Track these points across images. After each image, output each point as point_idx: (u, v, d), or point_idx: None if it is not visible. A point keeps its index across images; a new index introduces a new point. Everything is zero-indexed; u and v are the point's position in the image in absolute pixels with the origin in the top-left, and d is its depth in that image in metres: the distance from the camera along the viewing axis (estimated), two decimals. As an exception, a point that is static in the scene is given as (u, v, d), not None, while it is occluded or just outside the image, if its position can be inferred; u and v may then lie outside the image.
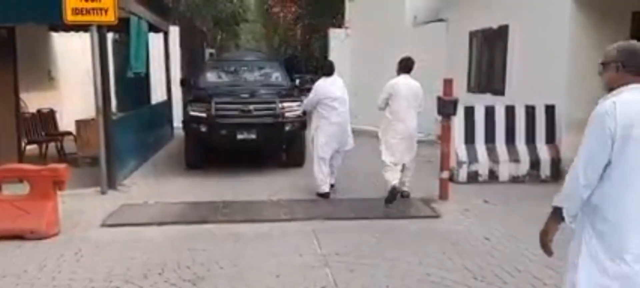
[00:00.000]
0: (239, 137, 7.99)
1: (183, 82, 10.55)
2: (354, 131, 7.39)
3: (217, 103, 8.09)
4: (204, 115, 8.09)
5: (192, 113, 8.28)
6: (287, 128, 8.23)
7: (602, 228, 2.48)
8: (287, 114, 8.24)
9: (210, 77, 9.69)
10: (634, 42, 2.63)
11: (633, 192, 2.42)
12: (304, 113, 8.17)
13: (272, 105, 8.23)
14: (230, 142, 8.11)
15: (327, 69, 7.23)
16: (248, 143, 8.13)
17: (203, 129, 8.09)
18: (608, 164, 2.43)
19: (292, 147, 8.74)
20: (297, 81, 10.24)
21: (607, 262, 2.47)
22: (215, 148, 8.64)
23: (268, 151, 9.34)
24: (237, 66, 10.15)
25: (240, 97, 8.36)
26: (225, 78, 9.69)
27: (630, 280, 2.43)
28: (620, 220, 2.44)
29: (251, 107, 8.11)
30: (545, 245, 2.69)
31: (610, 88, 2.54)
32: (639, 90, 2.44)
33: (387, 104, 6.61)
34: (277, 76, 9.77)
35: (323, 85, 7.02)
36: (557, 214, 2.61)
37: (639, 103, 2.42)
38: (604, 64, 2.57)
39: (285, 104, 8.30)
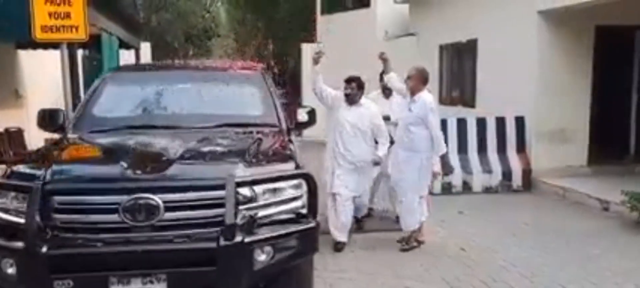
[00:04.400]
0: None
1: (49, 117, 4.40)
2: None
3: (54, 192, 3.04)
4: (19, 219, 3.05)
5: None
6: (260, 259, 3.11)
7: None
8: (263, 213, 3.18)
9: (100, 109, 4.42)
10: (423, 66, 5.40)
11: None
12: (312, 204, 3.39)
13: (218, 193, 3.04)
14: None
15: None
16: None
17: (10, 269, 2.99)
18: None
19: None
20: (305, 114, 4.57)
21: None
22: None
23: None
24: (167, 85, 4.68)
25: (131, 166, 3.23)
26: (134, 111, 4.37)
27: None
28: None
29: (157, 198, 2.99)
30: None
31: (413, 91, 5.25)
32: (427, 91, 5.29)
33: None
34: (253, 102, 4.53)
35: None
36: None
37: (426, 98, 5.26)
38: (410, 77, 5.26)
39: (259, 187, 3.18)
